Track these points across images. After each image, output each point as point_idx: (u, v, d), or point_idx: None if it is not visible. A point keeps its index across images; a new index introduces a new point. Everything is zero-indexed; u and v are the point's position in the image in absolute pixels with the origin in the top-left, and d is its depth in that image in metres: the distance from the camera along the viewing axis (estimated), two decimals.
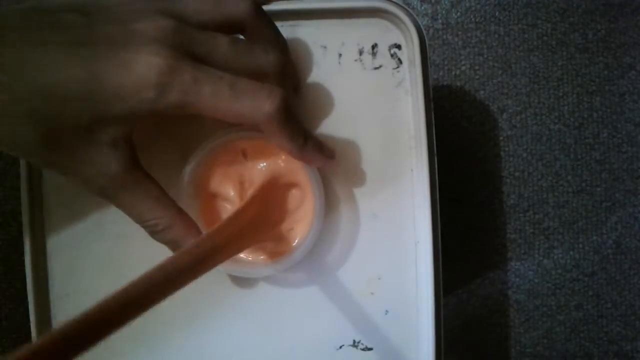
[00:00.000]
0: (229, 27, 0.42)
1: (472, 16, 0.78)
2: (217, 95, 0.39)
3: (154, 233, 0.43)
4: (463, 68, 0.78)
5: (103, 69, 0.37)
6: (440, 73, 0.78)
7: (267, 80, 0.42)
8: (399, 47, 0.50)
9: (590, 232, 0.79)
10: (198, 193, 0.47)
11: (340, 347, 0.51)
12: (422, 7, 0.78)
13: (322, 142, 0.45)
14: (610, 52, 0.78)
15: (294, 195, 0.48)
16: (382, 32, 0.50)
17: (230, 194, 0.47)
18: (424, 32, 0.48)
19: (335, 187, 0.50)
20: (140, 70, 0.37)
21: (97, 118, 0.38)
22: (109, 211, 0.49)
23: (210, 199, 0.47)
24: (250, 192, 0.46)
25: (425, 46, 0.47)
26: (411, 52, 0.48)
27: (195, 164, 0.45)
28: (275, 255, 0.47)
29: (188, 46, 0.39)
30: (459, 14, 0.78)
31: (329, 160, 0.45)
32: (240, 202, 0.46)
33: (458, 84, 0.78)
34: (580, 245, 0.79)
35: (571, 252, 0.79)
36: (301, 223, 0.48)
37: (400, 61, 0.50)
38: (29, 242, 0.51)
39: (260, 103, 0.39)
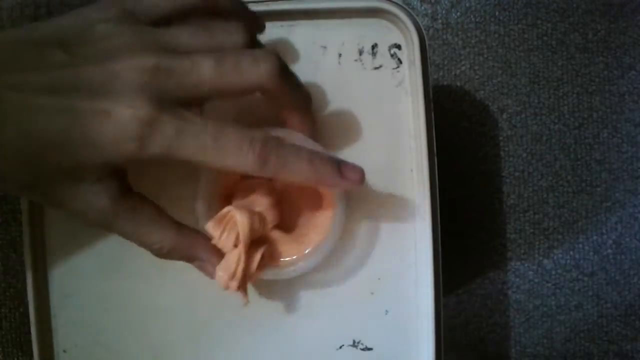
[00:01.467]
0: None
1: (472, 16, 0.78)
2: (200, 149, 0.38)
3: (163, 256, 0.43)
4: (463, 68, 0.78)
5: (83, 118, 0.37)
6: (440, 73, 0.78)
7: (264, 94, 0.42)
8: (399, 47, 0.50)
9: (590, 232, 0.79)
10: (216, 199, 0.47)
11: (340, 347, 0.51)
12: (422, 7, 0.78)
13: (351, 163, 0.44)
14: (610, 52, 0.78)
15: (314, 200, 0.48)
16: (382, 32, 0.50)
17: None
18: (424, 32, 0.48)
19: None
20: (119, 121, 0.37)
21: (78, 165, 0.38)
22: None
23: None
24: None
25: (425, 46, 0.47)
26: (411, 52, 0.48)
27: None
28: (284, 256, 0.47)
29: (169, 88, 0.38)
30: (459, 14, 0.78)
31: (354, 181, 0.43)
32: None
33: (458, 84, 0.78)
34: (580, 245, 0.79)
35: (571, 252, 0.79)
36: (316, 230, 0.47)
37: (400, 61, 0.50)
38: (29, 242, 0.51)
39: (242, 159, 0.39)
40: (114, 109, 0.37)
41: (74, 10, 0.41)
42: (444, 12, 0.78)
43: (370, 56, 0.50)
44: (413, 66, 0.48)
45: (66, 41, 0.39)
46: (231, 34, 0.42)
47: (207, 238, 0.44)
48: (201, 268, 0.44)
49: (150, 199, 0.43)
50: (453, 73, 0.79)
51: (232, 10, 0.45)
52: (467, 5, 0.78)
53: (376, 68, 0.50)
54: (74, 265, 0.52)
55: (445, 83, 0.78)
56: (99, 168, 0.39)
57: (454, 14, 0.78)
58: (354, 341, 0.51)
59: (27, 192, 0.41)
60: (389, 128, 0.50)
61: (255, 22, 0.46)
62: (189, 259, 0.44)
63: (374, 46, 0.50)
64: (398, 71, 0.49)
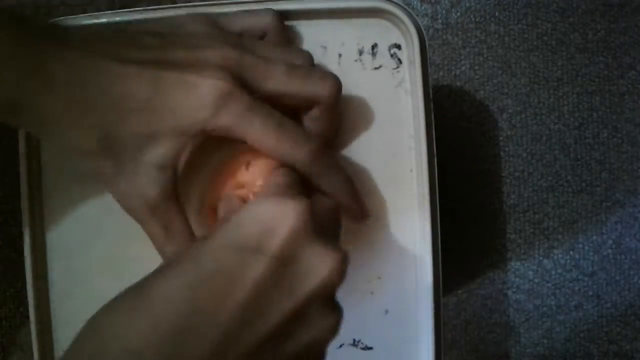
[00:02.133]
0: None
1: (472, 16, 0.78)
2: (264, 128, 0.41)
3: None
4: (463, 68, 0.78)
5: (166, 87, 0.41)
6: (440, 73, 0.79)
7: (319, 107, 0.45)
8: (398, 47, 0.50)
9: (590, 232, 0.79)
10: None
11: (340, 346, 0.51)
12: (422, 7, 0.78)
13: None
14: (610, 52, 0.78)
15: None
16: (382, 32, 0.50)
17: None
18: (424, 32, 0.48)
19: None
20: (199, 91, 0.41)
21: (151, 133, 0.41)
22: (109, 211, 0.49)
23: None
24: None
25: (425, 46, 0.47)
26: (411, 52, 0.48)
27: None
28: None
29: (248, 77, 0.42)
30: (458, 14, 0.78)
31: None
32: None
33: (458, 84, 0.78)
34: (580, 245, 0.79)
35: (571, 252, 0.79)
36: None
37: (400, 61, 0.50)
38: (29, 242, 0.51)
39: (297, 150, 0.42)
40: (196, 80, 0.41)
41: (168, 17, 0.49)
42: (444, 12, 0.78)
43: (370, 56, 0.50)
44: (413, 66, 0.48)
45: (160, 33, 0.43)
46: (300, 53, 0.46)
47: None
48: None
49: (184, 212, 0.45)
50: (453, 73, 0.79)
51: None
52: (467, 5, 0.78)
53: (376, 68, 0.50)
54: (74, 265, 0.52)
55: (445, 83, 0.78)
56: (169, 140, 0.42)
57: (454, 14, 0.78)
58: (354, 340, 0.51)
59: (92, 159, 0.42)
60: (388, 128, 0.50)
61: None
62: None
63: (374, 46, 0.50)
64: (398, 71, 0.49)
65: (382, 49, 0.50)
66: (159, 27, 0.46)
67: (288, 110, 0.45)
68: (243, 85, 0.41)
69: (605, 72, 0.79)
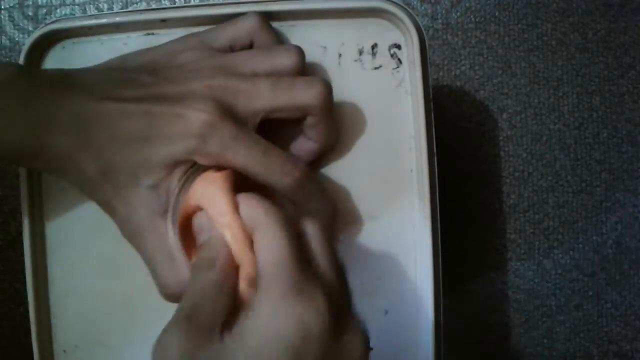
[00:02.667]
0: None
1: (472, 16, 0.78)
2: (250, 156, 0.44)
3: (166, 296, 0.47)
4: (463, 68, 0.78)
5: (158, 120, 0.44)
6: (440, 73, 0.78)
7: (311, 116, 0.47)
8: (398, 47, 0.50)
9: (590, 232, 0.79)
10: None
11: None
12: (422, 7, 0.78)
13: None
14: (610, 52, 0.78)
15: None
16: (382, 32, 0.50)
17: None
18: (424, 32, 0.48)
19: (335, 188, 0.50)
20: (186, 122, 0.44)
21: (145, 161, 0.45)
22: None
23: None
24: None
25: (425, 46, 0.47)
26: (411, 52, 0.48)
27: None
28: None
29: (233, 103, 0.45)
30: (458, 14, 0.78)
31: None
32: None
33: (458, 84, 0.78)
34: (580, 245, 0.79)
35: (571, 252, 0.79)
36: None
37: (400, 61, 0.50)
38: (29, 242, 0.51)
39: (284, 177, 0.45)
40: (184, 112, 0.44)
41: (163, 43, 0.51)
42: (444, 12, 0.78)
43: (370, 56, 0.50)
44: (413, 66, 0.48)
45: (153, 69, 0.48)
46: (287, 55, 0.48)
47: None
48: None
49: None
50: (453, 73, 0.79)
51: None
52: (467, 5, 0.78)
53: (376, 68, 0.50)
54: (74, 265, 0.52)
55: (445, 83, 0.78)
56: (161, 166, 0.45)
57: (454, 14, 0.78)
58: None
59: (92, 189, 0.46)
60: (388, 128, 0.50)
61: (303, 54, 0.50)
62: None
63: (374, 46, 0.50)
64: (398, 71, 0.50)
65: (382, 49, 0.50)
66: (154, 57, 0.50)
67: (289, 122, 0.47)
68: (230, 112, 0.45)
69: (605, 72, 0.78)
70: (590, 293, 0.79)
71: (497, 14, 0.78)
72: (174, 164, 0.45)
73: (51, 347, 0.52)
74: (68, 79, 0.46)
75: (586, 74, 0.78)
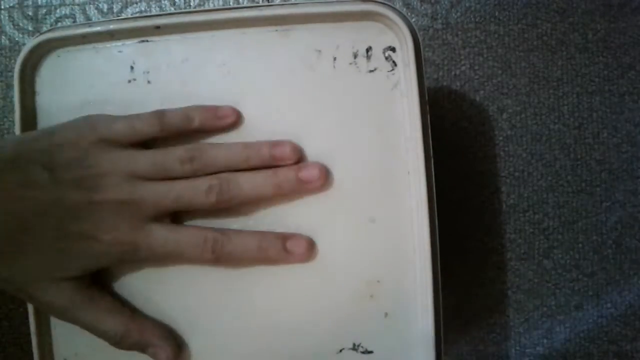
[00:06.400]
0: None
1: (471, 16, 0.78)
2: (167, 253, 0.48)
3: (116, 344, 0.49)
4: (463, 68, 0.78)
5: (70, 240, 0.46)
6: (440, 73, 0.78)
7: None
8: (393, 49, 0.50)
9: (590, 232, 0.79)
10: None
11: (340, 350, 0.51)
12: (422, 7, 0.78)
13: None
14: (610, 52, 0.78)
15: None
16: (376, 35, 0.50)
17: None
18: (421, 33, 0.48)
19: (332, 191, 0.50)
20: (101, 244, 0.46)
21: (60, 271, 0.47)
22: None
23: None
24: None
25: (420, 48, 0.48)
26: (405, 55, 0.48)
27: None
28: None
29: (140, 210, 0.47)
30: (458, 14, 0.78)
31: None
32: None
33: (458, 84, 0.78)
34: (580, 245, 0.79)
35: (571, 252, 0.79)
36: None
37: (395, 64, 0.50)
38: None
39: (200, 255, 0.48)
40: (97, 233, 0.46)
41: (57, 128, 0.49)
42: (444, 12, 0.78)
43: (365, 59, 0.50)
44: (408, 68, 0.48)
45: (49, 163, 0.46)
46: (179, 160, 0.49)
47: (162, 325, 0.50)
48: (154, 356, 0.50)
49: (107, 290, 0.51)
50: (453, 73, 0.78)
51: (183, 129, 0.51)
52: (467, 5, 0.78)
53: (371, 71, 0.50)
54: None
55: (445, 83, 0.78)
56: (76, 273, 0.47)
57: (454, 14, 0.78)
58: (354, 344, 0.51)
59: (18, 293, 0.48)
60: (384, 131, 0.50)
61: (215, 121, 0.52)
62: (142, 346, 0.49)
63: (369, 49, 0.50)
64: (393, 74, 0.50)
65: (377, 51, 0.50)
66: (50, 152, 0.48)
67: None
68: (140, 219, 0.47)
69: (605, 72, 0.78)
70: (590, 293, 0.79)
71: (496, 13, 0.78)
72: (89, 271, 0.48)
73: (50, 347, 0.53)
74: None
75: (586, 74, 0.78)
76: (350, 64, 0.50)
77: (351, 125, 0.50)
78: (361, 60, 0.50)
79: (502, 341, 0.80)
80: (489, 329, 0.80)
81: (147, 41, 0.54)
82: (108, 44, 0.54)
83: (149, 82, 0.54)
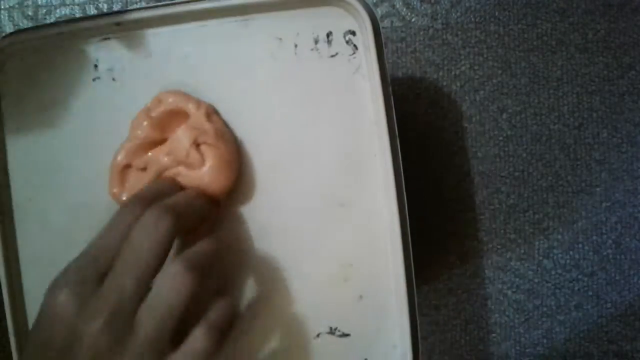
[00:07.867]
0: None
1: (471, 16, 0.79)
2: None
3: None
4: (463, 68, 0.79)
5: None
6: (440, 73, 0.79)
7: None
8: (353, 33, 0.50)
9: (590, 232, 0.78)
10: None
11: (318, 335, 0.52)
12: (422, 7, 0.78)
13: None
14: (610, 52, 0.78)
15: None
16: (336, 20, 0.51)
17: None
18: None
19: (301, 178, 0.51)
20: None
21: None
22: (79, 219, 0.51)
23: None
24: None
25: (380, 30, 0.48)
26: (365, 38, 0.49)
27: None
28: None
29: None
30: (458, 14, 0.78)
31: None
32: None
33: (458, 84, 0.78)
34: (580, 245, 0.79)
35: (571, 252, 0.79)
36: None
37: (355, 47, 0.50)
38: (1, 254, 0.53)
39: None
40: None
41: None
42: (444, 12, 0.79)
43: (326, 44, 0.50)
44: (368, 51, 0.48)
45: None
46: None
47: None
48: None
49: None
50: (453, 73, 0.79)
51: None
52: (467, 5, 0.78)
53: (332, 56, 0.50)
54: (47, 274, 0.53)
55: (445, 83, 0.79)
56: None
57: (454, 14, 0.79)
58: (330, 328, 0.51)
59: None
60: (349, 115, 0.50)
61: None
62: None
63: (329, 34, 0.50)
64: (354, 57, 0.50)
65: (337, 36, 0.50)
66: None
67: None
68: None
69: (605, 72, 0.78)
70: (590, 293, 0.79)
71: (496, 13, 0.79)
72: None
73: None
74: None
75: (586, 74, 0.78)
76: (312, 49, 0.50)
77: (316, 111, 0.51)
78: (322, 45, 0.50)
79: (502, 341, 0.80)
80: (489, 329, 0.80)
81: (109, 38, 0.54)
82: (70, 44, 0.54)
83: (113, 79, 0.54)
